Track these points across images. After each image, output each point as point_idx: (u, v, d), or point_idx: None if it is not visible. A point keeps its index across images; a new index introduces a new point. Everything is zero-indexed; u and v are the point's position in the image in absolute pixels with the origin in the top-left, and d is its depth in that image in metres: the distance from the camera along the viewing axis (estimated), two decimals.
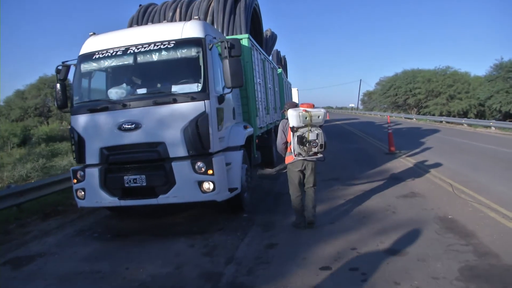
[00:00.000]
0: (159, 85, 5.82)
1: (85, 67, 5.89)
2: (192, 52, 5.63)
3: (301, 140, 5.12)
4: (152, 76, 5.94)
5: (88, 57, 5.89)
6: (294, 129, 5.24)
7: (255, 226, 5.89)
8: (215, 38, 5.91)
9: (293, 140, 5.23)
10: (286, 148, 5.54)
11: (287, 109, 5.76)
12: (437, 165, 10.01)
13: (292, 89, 31.88)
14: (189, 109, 5.43)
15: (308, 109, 5.23)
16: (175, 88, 5.60)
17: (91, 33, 6.16)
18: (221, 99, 5.77)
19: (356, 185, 8.05)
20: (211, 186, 5.48)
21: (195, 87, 5.54)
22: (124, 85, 5.86)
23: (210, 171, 5.44)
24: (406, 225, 5.42)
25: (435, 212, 5.97)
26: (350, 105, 70.34)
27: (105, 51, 5.81)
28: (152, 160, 5.48)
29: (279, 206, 6.83)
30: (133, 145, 5.50)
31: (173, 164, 5.41)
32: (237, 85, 5.61)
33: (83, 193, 5.77)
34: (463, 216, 5.70)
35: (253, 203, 7.12)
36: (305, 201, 5.54)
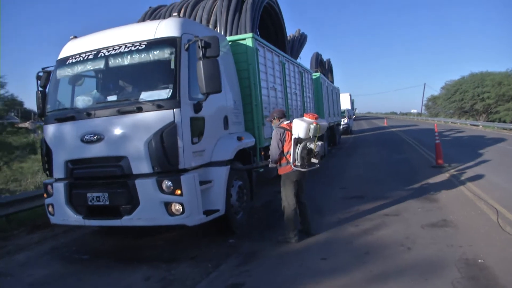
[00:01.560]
0: (129, 92, 5.09)
1: (60, 73, 5.38)
2: (165, 53, 4.87)
3: (309, 152, 4.96)
4: (123, 81, 5.28)
5: (63, 62, 5.37)
6: (298, 140, 4.99)
7: (235, 255, 4.96)
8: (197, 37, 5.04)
9: (295, 151, 5.00)
10: (281, 158, 5.22)
11: (276, 118, 5.42)
12: (488, 183, 8.28)
13: (343, 94, 30.31)
14: (155, 119, 4.66)
15: (317, 121, 5.04)
16: (144, 95, 4.85)
17: (72, 36, 5.64)
18: (198, 107, 4.92)
19: (380, 206, 6.80)
20: (180, 208, 4.64)
21: (164, 94, 4.73)
22: (94, 92, 5.26)
23: (178, 191, 4.62)
24: (417, 269, 4.14)
25: (463, 252, 4.57)
26: (412, 110, 65.82)
27: (78, 56, 5.25)
28: (115, 177, 4.77)
29: (277, 229, 5.80)
30: (95, 159, 4.86)
31: (137, 181, 4.66)
32: (212, 90, 4.74)
33: (52, 208, 5.22)
34: (499, 261, 4.25)
35: (253, 224, 6.26)
36: (302, 212, 5.38)
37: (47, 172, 5.25)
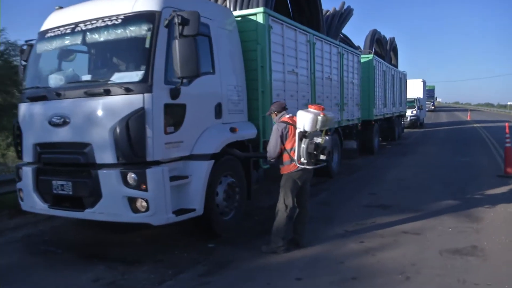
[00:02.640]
0: (103, 72, 5.19)
1: (39, 47, 5.61)
2: (142, 30, 4.86)
3: (316, 147, 4.88)
4: (99, 60, 5.38)
5: (43, 35, 5.59)
6: (304, 134, 4.93)
7: (205, 263, 4.95)
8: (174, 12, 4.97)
9: (300, 147, 4.94)
10: (280, 156, 5.19)
11: (275, 112, 5.36)
12: None
13: (413, 80, 28.77)
14: (123, 104, 4.70)
15: (326, 113, 4.97)
16: (116, 76, 4.91)
17: (57, 7, 5.84)
18: (175, 92, 4.89)
19: (403, 221, 6.43)
20: (145, 204, 4.69)
21: (135, 76, 4.76)
22: (70, 70, 5.41)
23: (143, 186, 4.66)
24: None
25: None
26: (509, 103, 60.96)
27: (56, 29, 5.43)
28: (79, 165, 4.91)
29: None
30: (61, 144, 5.04)
31: (100, 172, 4.77)
32: (189, 74, 4.68)
33: (22, 194, 5.54)
34: None
35: (248, 227, 6.22)
36: (300, 219, 5.32)
37: (20, 155, 5.54)
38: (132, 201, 4.72)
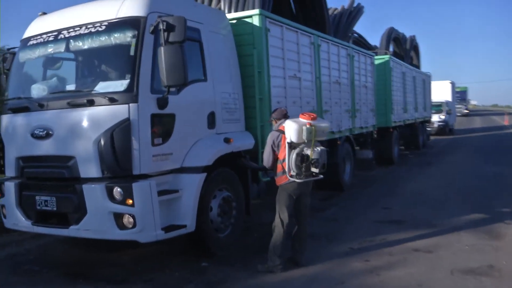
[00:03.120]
0: (87, 81, 5.47)
1: (22, 55, 5.91)
2: (126, 37, 5.13)
3: (302, 159, 5.06)
4: (83, 68, 5.66)
5: (25, 43, 5.90)
6: (292, 145, 5.12)
7: (195, 283, 5.15)
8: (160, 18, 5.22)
9: (290, 158, 5.12)
10: (275, 165, 5.42)
11: (275, 119, 5.63)
12: None
13: (439, 82, 28.75)
14: (107, 115, 4.95)
15: (312, 122, 5.13)
16: (100, 86, 5.18)
17: (41, 12, 6.16)
18: (163, 102, 5.13)
19: (415, 237, 6.54)
20: (131, 220, 4.92)
21: (120, 86, 5.03)
22: (54, 79, 5.71)
23: (129, 201, 4.88)
24: None
25: None
26: None
27: (39, 36, 5.73)
28: (63, 179, 5.18)
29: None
30: (44, 157, 5.30)
31: (84, 187, 5.01)
32: (176, 82, 4.92)
33: (4, 211, 5.81)
34: None
35: (247, 244, 6.42)
36: (298, 237, 5.46)
37: (2, 169, 5.84)
38: (118, 217, 4.93)
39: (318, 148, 5.12)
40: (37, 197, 5.34)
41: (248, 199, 6.60)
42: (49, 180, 5.34)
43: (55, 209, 5.24)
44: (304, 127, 5.01)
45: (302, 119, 5.15)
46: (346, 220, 7.67)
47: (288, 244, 5.48)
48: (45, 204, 5.29)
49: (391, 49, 18.14)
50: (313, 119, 5.16)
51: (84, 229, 5.07)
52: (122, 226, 4.94)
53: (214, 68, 6.11)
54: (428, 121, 21.61)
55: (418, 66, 21.28)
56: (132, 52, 5.02)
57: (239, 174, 6.40)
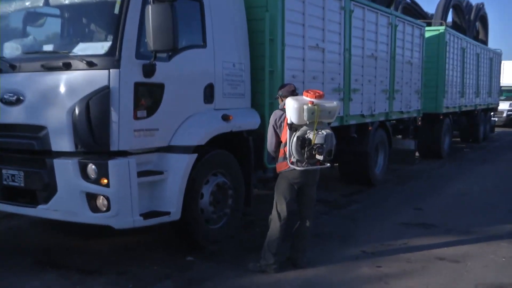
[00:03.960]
0: (67, 42, 5.70)
1: (1, 8, 6.14)
2: None
3: (303, 144, 5.10)
4: (63, 26, 5.88)
5: None
6: (292, 127, 5.18)
7: (176, 278, 5.37)
8: None
9: (290, 142, 5.19)
10: (278, 149, 5.49)
11: (281, 97, 5.67)
12: None
13: (510, 62, 27.97)
14: (84, 81, 5.15)
15: (315, 101, 5.13)
16: (79, 48, 5.39)
17: None
18: (149, 69, 5.29)
19: (443, 244, 6.61)
20: (105, 203, 5.15)
21: (100, 48, 5.22)
22: (30, 38, 5.94)
23: (104, 180, 5.10)
24: None
25: None
26: None
27: None
28: (33, 152, 5.44)
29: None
30: (14, 126, 5.54)
31: (55, 161, 5.25)
32: (162, 47, 5.05)
33: None
34: None
35: (244, 239, 6.66)
36: (299, 234, 5.58)
37: None
38: (91, 198, 5.16)
39: (323, 131, 5.15)
40: (3, 171, 5.60)
41: (249, 187, 6.76)
42: (18, 152, 5.59)
43: (22, 185, 5.49)
44: (305, 106, 5.02)
45: (305, 97, 5.21)
46: (366, 220, 7.76)
47: (284, 241, 5.56)
48: (12, 179, 5.56)
49: (449, 19, 17.79)
50: (318, 97, 5.17)
51: (53, 209, 5.32)
52: (95, 209, 5.17)
53: (217, 32, 6.22)
54: (493, 109, 21.22)
55: (485, 42, 20.82)
56: (116, 10, 5.17)
57: (239, 158, 6.56)
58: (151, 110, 5.44)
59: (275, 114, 5.54)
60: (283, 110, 5.44)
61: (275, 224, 5.46)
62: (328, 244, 6.44)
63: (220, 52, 6.29)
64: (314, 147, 5.06)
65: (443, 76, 13.85)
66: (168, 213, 5.51)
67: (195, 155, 5.76)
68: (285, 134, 5.32)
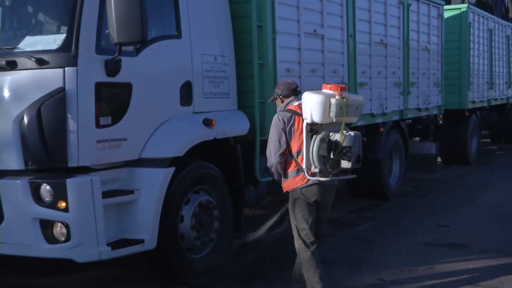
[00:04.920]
0: (17, 34, 5.69)
1: None
2: None
3: (330, 148, 4.86)
4: (11, 16, 5.85)
5: None
6: (313, 128, 5.00)
7: None
8: None
9: (310, 148, 4.98)
10: (284, 163, 5.26)
11: (281, 97, 5.51)
12: None
13: None
14: (34, 82, 5.13)
15: (344, 94, 4.95)
16: (27, 42, 5.38)
17: None
18: (114, 66, 5.29)
19: (478, 269, 6.72)
20: (64, 231, 5.13)
21: (52, 42, 5.22)
22: None
23: (61, 204, 5.07)
24: None
25: None
26: None
27: None
28: None
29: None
30: None
31: (0, 182, 5.22)
32: (129, 39, 5.02)
33: None
34: None
35: (239, 272, 6.64)
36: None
37: None
38: (46, 225, 5.11)
39: (350, 132, 4.97)
40: None
41: (239, 207, 6.80)
42: None
43: None
44: (332, 100, 4.82)
45: (327, 90, 5.02)
46: (383, 241, 7.81)
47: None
48: None
49: None
50: (342, 90, 5.01)
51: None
52: (51, 239, 5.13)
53: (193, 20, 6.26)
54: None
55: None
56: None
57: (226, 171, 6.58)
58: (117, 116, 5.43)
59: (281, 115, 5.24)
60: (290, 111, 5.27)
61: (305, 255, 5.18)
62: (337, 272, 6.44)
63: (198, 43, 6.32)
64: (344, 151, 4.85)
65: (467, 64, 13.97)
66: (141, 241, 5.49)
67: (172, 169, 5.76)
68: (297, 141, 5.14)
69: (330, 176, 5.02)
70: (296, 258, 5.42)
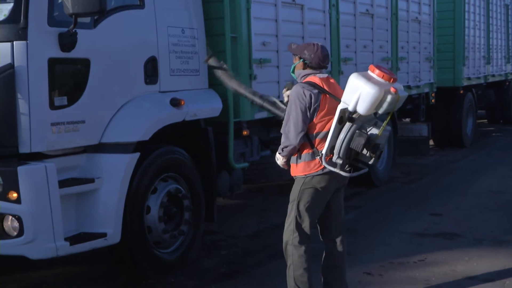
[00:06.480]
0: None
1: None
2: None
3: (367, 143, 4.71)
4: None
5: None
6: (351, 117, 4.77)
7: None
8: None
9: (341, 135, 4.75)
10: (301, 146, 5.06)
11: (300, 58, 5.13)
12: None
13: None
14: None
15: (398, 89, 4.79)
16: None
17: None
18: (68, 40, 5.25)
19: (473, 259, 6.79)
20: (16, 225, 5.10)
21: None
22: None
23: (12, 194, 5.05)
24: None
25: None
26: None
27: None
28: None
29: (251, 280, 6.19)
30: None
31: None
32: (85, 9, 4.95)
33: None
34: None
35: (214, 268, 6.65)
36: (329, 262, 5.32)
37: None
38: None
39: (387, 127, 4.91)
40: None
41: (211, 196, 6.82)
42: None
43: None
44: (389, 96, 4.65)
45: (382, 79, 4.75)
46: (370, 231, 7.92)
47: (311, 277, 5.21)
48: None
49: None
50: (392, 81, 4.79)
51: None
52: (1, 234, 5.11)
53: None
54: None
55: None
56: None
57: (196, 157, 6.61)
58: (74, 96, 5.42)
59: (308, 89, 4.90)
60: (314, 86, 4.95)
61: (297, 251, 5.04)
62: (319, 267, 6.46)
63: (163, 14, 6.32)
64: (374, 147, 4.78)
65: (462, 37, 14.03)
66: (103, 235, 5.49)
67: (136, 155, 5.76)
68: (319, 122, 4.95)
69: (348, 170, 4.83)
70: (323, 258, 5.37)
